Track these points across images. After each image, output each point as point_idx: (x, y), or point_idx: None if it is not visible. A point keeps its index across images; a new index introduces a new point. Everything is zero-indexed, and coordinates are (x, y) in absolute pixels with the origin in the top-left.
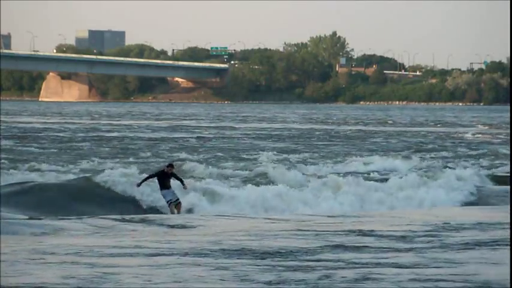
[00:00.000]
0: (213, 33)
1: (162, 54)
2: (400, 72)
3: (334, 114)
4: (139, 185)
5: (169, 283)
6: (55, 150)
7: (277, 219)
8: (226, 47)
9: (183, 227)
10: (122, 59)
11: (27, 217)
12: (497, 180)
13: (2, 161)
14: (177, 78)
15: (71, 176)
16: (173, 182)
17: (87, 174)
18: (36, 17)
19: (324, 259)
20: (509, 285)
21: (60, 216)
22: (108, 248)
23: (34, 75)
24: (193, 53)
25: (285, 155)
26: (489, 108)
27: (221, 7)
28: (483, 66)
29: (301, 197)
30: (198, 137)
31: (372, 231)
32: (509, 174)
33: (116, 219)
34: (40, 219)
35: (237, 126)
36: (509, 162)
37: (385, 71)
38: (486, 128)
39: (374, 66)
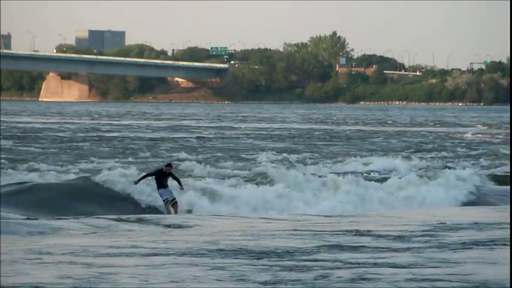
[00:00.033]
0: (213, 33)
1: (162, 54)
2: (400, 72)
3: (334, 114)
4: (136, 182)
5: (166, 283)
6: (55, 150)
7: (274, 219)
8: (226, 47)
9: (180, 226)
10: (121, 59)
11: (24, 217)
12: (497, 180)
13: (2, 160)
14: (177, 78)
15: (70, 176)
16: (171, 183)
17: (87, 174)
18: (36, 17)
19: (320, 259)
20: (508, 285)
21: (57, 216)
22: (105, 248)
23: (34, 75)
24: (193, 53)
25: (284, 155)
26: (489, 108)
27: (221, 7)
28: (483, 66)
29: (300, 197)
30: (197, 137)
31: (369, 231)
32: (509, 174)
33: (112, 219)
34: (36, 219)
35: (236, 126)
36: (509, 162)
37: (385, 71)
38: (486, 128)
39: (374, 66)
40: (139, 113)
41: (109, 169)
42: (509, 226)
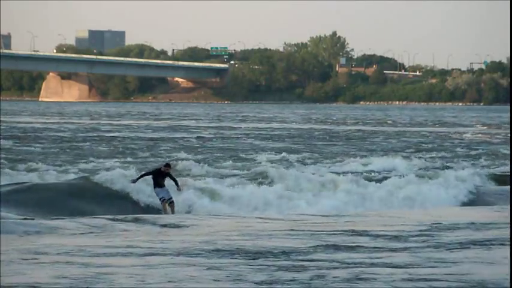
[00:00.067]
0: (213, 33)
1: (162, 54)
2: (400, 72)
3: (334, 114)
4: (134, 181)
5: (163, 283)
6: (54, 150)
7: (271, 218)
8: (226, 47)
9: (176, 226)
10: (121, 59)
11: (21, 217)
12: (497, 180)
13: (2, 160)
14: (177, 78)
15: (70, 176)
16: (168, 183)
17: (86, 174)
18: (36, 17)
19: (317, 259)
20: (507, 285)
21: (54, 216)
22: (101, 248)
23: (34, 75)
24: (193, 53)
25: (283, 153)
26: (489, 108)
27: (221, 7)
28: (483, 66)
29: (300, 196)
30: (198, 137)
31: (367, 230)
32: (509, 174)
33: (109, 219)
34: (33, 219)
35: (236, 126)
36: (509, 162)
37: (385, 71)
38: (485, 128)
39: (374, 66)
40: (139, 113)
41: (108, 169)
42: (508, 226)
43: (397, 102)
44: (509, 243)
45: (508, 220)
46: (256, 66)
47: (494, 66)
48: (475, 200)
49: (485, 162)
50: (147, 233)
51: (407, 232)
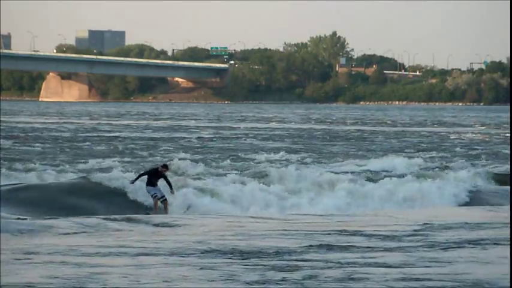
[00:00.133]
0: (213, 33)
1: (162, 54)
2: (400, 72)
3: (333, 114)
4: (133, 182)
5: (156, 283)
6: (53, 150)
7: (264, 218)
8: (226, 47)
9: (169, 226)
10: (121, 59)
11: (15, 217)
12: (497, 180)
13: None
14: (177, 78)
15: (69, 176)
16: (161, 183)
17: (84, 174)
18: (36, 17)
19: (310, 259)
20: (506, 285)
21: (47, 216)
22: (94, 248)
23: (34, 75)
24: (193, 53)
25: (282, 153)
26: (489, 108)
27: (221, 7)
28: (483, 66)
29: (299, 196)
30: (198, 137)
31: (361, 230)
32: (508, 174)
33: (102, 218)
34: (25, 219)
35: (236, 126)
36: (509, 162)
37: (385, 71)
38: (485, 128)
39: (374, 66)
40: (139, 113)
41: (107, 168)
42: (508, 226)
43: (397, 102)
44: (508, 243)
45: (508, 220)
46: (256, 66)
47: (494, 66)
48: (475, 200)
49: (485, 162)
50: (140, 233)
51: (401, 232)
